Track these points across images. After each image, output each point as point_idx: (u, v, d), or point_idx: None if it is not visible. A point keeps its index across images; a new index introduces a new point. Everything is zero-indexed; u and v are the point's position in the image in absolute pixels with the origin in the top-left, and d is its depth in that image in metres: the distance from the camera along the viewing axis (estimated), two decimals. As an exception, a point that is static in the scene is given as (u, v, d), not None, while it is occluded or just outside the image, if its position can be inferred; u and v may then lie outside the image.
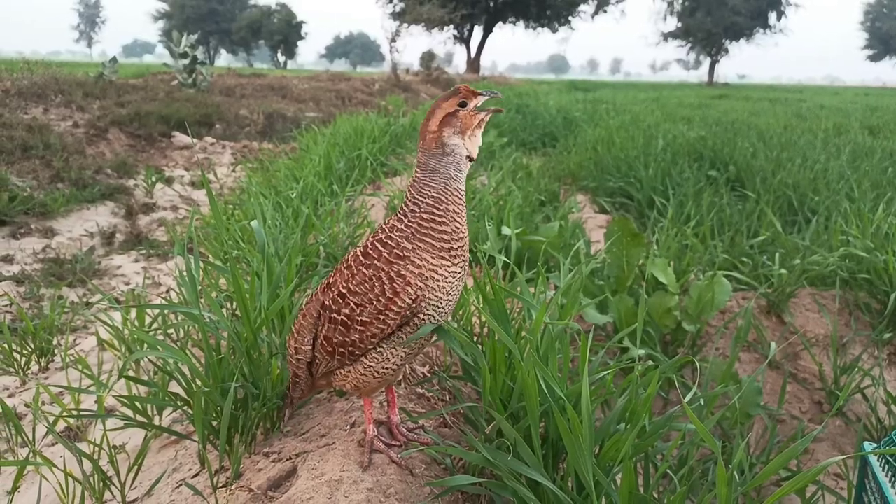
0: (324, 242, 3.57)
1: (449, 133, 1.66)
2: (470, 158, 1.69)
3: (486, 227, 3.16)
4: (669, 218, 4.73)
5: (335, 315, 1.68)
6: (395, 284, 1.60)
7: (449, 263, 1.64)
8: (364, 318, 1.63)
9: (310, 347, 1.80)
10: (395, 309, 1.61)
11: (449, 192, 1.65)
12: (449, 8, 41.46)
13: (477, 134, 1.70)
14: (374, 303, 1.61)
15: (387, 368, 1.72)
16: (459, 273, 1.68)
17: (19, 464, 1.93)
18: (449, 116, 1.66)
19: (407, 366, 2.33)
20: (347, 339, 1.67)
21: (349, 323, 1.66)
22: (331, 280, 1.75)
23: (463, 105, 1.67)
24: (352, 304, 1.65)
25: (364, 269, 1.64)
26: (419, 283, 1.60)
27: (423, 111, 12.57)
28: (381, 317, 1.62)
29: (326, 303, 1.72)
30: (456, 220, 1.65)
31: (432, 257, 1.62)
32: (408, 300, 1.60)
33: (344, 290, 1.67)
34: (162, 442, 2.50)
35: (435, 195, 1.64)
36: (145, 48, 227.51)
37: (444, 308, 1.67)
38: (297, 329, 1.84)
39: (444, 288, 1.64)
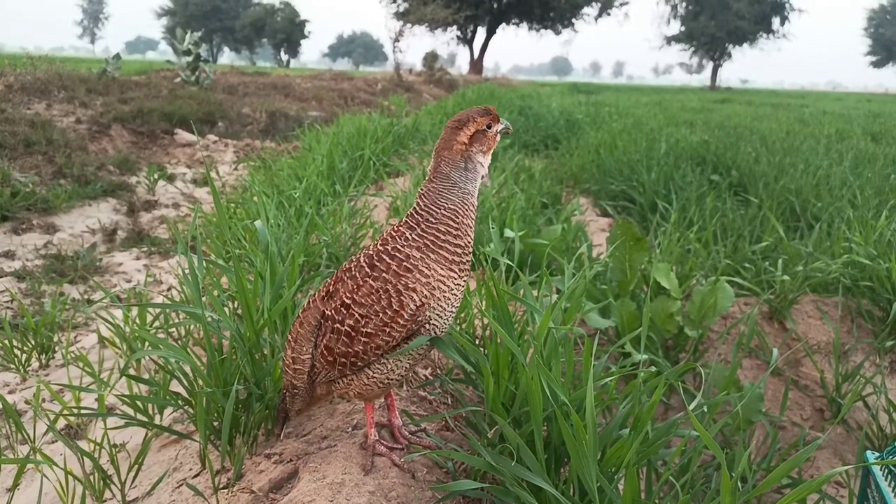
0: (327, 243, 3.57)
1: (477, 149, 1.69)
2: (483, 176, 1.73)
3: (490, 229, 3.16)
4: (672, 222, 4.72)
5: (338, 325, 1.66)
6: (402, 297, 1.59)
7: (456, 276, 1.65)
8: (369, 330, 1.62)
9: (309, 357, 1.77)
10: (401, 322, 1.60)
11: (466, 207, 1.66)
12: (453, 9, 41.42)
13: (489, 155, 1.74)
14: (381, 314, 1.60)
15: (391, 379, 1.72)
16: (463, 285, 1.69)
17: (19, 461, 1.93)
18: (479, 134, 1.69)
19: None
20: (350, 350, 1.66)
21: (353, 334, 1.64)
22: (331, 288, 1.72)
23: (489, 127, 1.70)
24: (356, 315, 1.63)
25: (371, 281, 1.62)
26: (425, 292, 1.60)
27: (426, 112, 12.55)
28: (387, 329, 1.61)
29: (328, 312, 1.70)
30: (469, 235, 1.67)
31: (441, 268, 1.62)
32: (413, 307, 1.60)
33: (348, 301, 1.65)
34: (162, 441, 2.49)
35: (452, 208, 1.65)
36: (148, 45, 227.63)
37: (447, 318, 1.68)
38: (294, 338, 1.80)
39: (450, 299, 1.65)
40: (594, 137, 9.83)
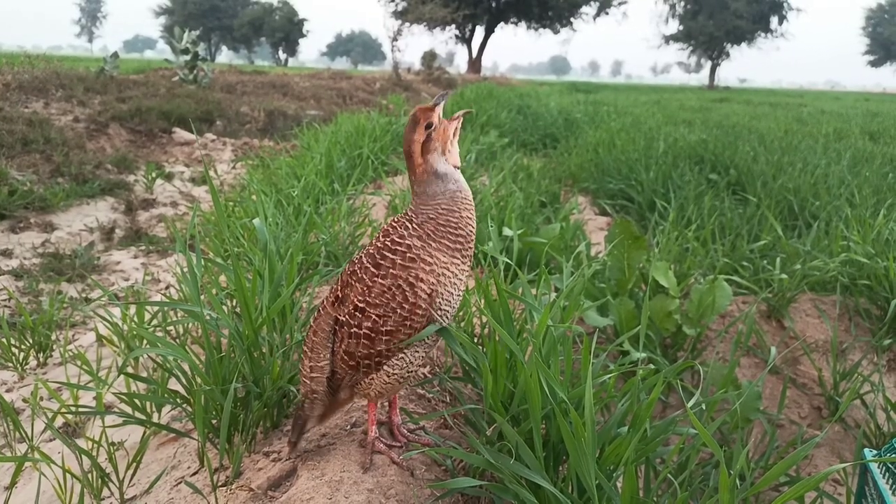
0: (325, 241, 3.56)
1: (434, 158, 1.68)
2: (456, 167, 1.72)
3: (489, 228, 3.16)
4: (671, 221, 4.72)
5: (355, 329, 1.66)
6: (415, 288, 1.61)
7: (459, 261, 1.67)
8: (389, 328, 1.63)
9: (327, 363, 1.77)
10: (419, 312, 1.62)
11: (458, 201, 1.67)
12: (451, 8, 41.39)
13: (455, 143, 1.72)
14: (399, 310, 1.62)
15: (410, 372, 1.74)
16: (467, 271, 1.71)
17: (17, 460, 1.92)
18: (426, 143, 1.67)
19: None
20: (373, 351, 1.67)
21: (373, 335, 1.65)
22: (340, 294, 1.72)
23: (429, 126, 1.68)
24: (374, 317, 1.64)
25: (380, 280, 1.63)
26: (432, 279, 1.62)
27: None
28: (408, 322, 1.63)
29: (342, 318, 1.70)
30: (469, 226, 1.68)
31: (444, 256, 1.64)
32: (425, 296, 1.61)
33: (361, 304, 1.65)
34: (160, 439, 2.49)
35: (447, 207, 1.66)
36: (147, 44, 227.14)
37: (454, 303, 1.69)
38: (309, 348, 1.79)
39: (455, 284, 1.67)
40: (592, 136, 9.83)
